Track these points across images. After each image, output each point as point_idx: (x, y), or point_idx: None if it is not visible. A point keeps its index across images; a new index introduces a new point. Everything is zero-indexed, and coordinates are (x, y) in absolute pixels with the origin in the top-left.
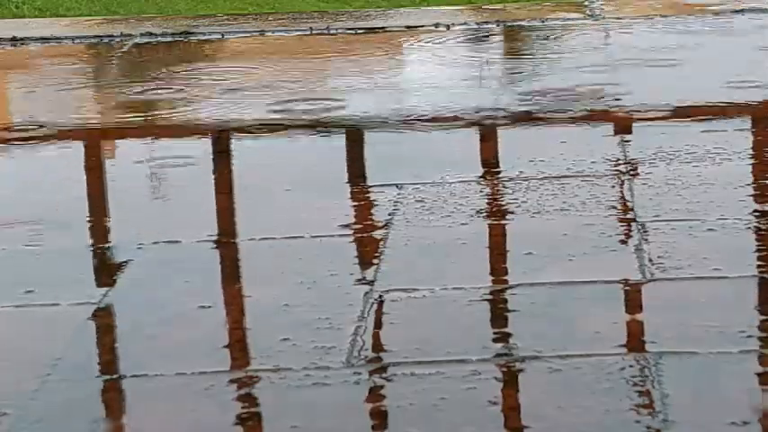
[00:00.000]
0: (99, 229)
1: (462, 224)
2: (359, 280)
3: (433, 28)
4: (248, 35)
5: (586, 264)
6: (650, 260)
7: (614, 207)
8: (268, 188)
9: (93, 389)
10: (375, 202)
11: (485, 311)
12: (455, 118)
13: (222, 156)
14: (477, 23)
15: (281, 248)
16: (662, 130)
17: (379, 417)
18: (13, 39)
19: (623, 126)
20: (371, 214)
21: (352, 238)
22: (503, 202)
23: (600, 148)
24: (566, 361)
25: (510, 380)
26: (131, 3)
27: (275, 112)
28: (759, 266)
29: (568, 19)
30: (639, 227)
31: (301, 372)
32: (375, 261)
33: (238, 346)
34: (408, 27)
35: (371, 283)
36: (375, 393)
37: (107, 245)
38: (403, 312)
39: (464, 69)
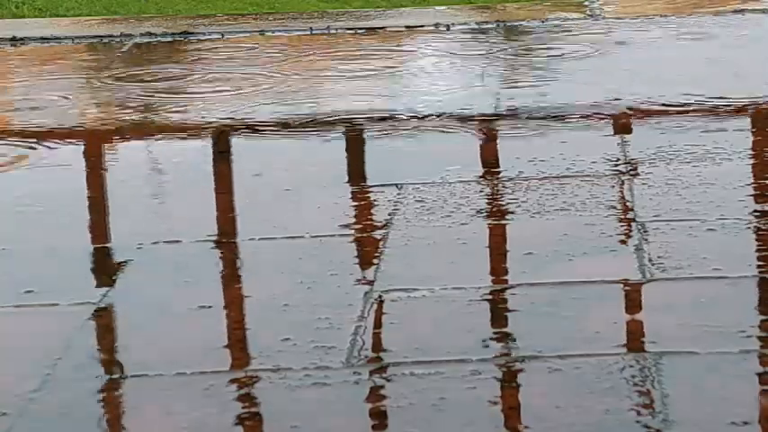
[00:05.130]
0: (99, 229)
1: (462, 224)
2: (359, 280)
3: (433, 28)
4: (248, 35)
5: (586, 264)
6: (650, 260)
7: (614, 207)
8: (268, 188)
9: (93, 389)
10: (375, 202)
11: (485, 311)
12: (455, 117)
13: (222, 156)
14: (477, 23)
15: (281, 248)
16: (662, 130)
17: (379, 417)
18: (13, 39)
19: (623, 126)
20: (371, 214)
21: (352, 238)
22: (503, 202)
23: (600, 148)
24: (566, 361)
25: (510, 380)
26: (131, 3)
27: (275, 112)
28: (759, 266)
29: (568, 19)
30: (639, 227)
31: (301, 372)
32: (375, 261)
33: (238, 346)
34: (408, 27)
35: (371, 283)
36: (375, 393)
37: (107, 245)
38: (403, 312)
39: (464, 69)
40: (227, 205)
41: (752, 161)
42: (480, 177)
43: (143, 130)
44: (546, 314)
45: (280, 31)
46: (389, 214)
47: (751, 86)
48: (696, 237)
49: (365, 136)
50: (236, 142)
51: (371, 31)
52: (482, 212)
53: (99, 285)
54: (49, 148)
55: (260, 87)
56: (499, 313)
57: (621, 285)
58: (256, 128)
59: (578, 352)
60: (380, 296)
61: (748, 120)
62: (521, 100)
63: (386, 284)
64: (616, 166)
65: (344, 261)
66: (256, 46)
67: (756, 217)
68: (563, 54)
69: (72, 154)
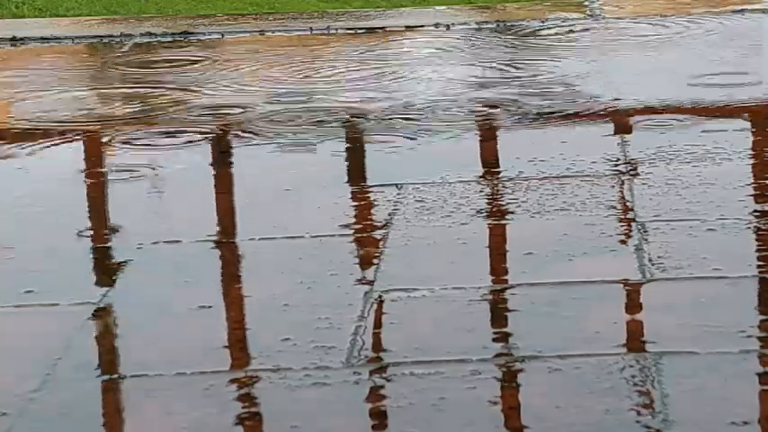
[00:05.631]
0: (99, 229)
1: (462, 224)
2: (359, 280)
3: (433, 28)
4: (248, 35)
5: (586, 264)
6: (650, 260)
7: (614, 207)
8: (268, 188)
9: (93, 389)
10: (375, 202)
11: (485, 311)
12: (456, 117)
13: (222, 156)
14: (477, 23)
15: (281, 248)
16: (662, 130)
17: (379, 417)
18: (13, 39)
19: (623, 126)
20: (371, 214)
21: (352, 238)
22: (503, 202)
23: (600, 148)
24: (566, 361)
25: (510, 380)
26: (131, 3)
27: (275, 111)
28: (759, 266)
29: (568, 19)
30: (639, 227)
31: (301, 372)
32: (375, 261)
33: (238, 346)
34: (408, 27)
35: (371, 283)
36: (375, 393)
37: (107, 245)
38: (403, 312)
39: (465, 69)
40: (227, 205)
41: (752, 161)
42: (480, 177)
43: (143, 130)
44: (546, 314)
45: (280, 31)
46: (389, 214)
47: (751, 86)
48: (696, 237)
49: (365, 136)
50: (237, 142)
51: (371, 31)
52: (482, 212)
53: (99, 285)
54: (48, 146)
55: (260, 87)
56: (499, 313)
57: (621, 285)
58: (257, 127)
59: (578, 352)
60: (380, 296)
61: (748, 120)
62: (521, 99)
63: (386, 284)
64: (616, 166)
65: (344, 261)
66: (256, 45)
67: (756, 217)
68: (563, 54)
69: (72, 153)
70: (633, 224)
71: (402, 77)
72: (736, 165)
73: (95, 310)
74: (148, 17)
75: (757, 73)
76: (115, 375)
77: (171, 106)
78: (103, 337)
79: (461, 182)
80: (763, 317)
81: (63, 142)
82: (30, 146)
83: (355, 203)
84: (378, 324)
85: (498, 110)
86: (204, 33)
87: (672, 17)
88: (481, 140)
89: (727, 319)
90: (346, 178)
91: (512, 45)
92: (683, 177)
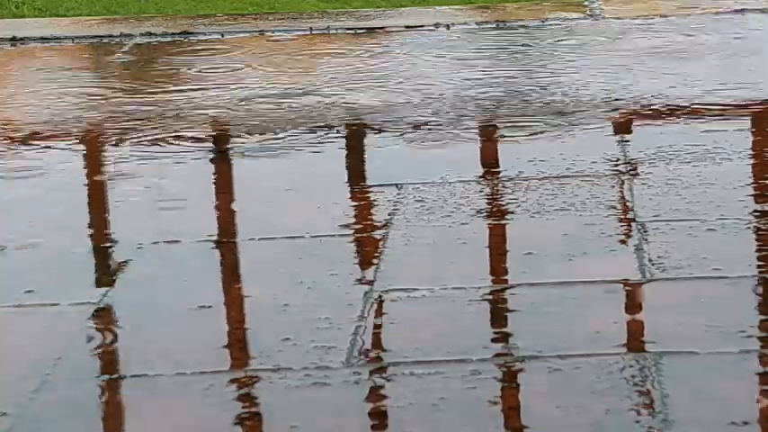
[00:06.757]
0: (99, 230)
1: (462, 224)
2: (359, 280)
3: (433, 28)
4: (248, 35)
5: (586, 264)
6: (650, 260)
7: (614, 207)
8: (268, 188)
9: (93, 389)
10: (375, 202)
11: (485, 311)
12: (456, 117)
13: (222, 155)
14: (477, 23)
15: (281, 248)
16: (662, 130)
17: (379, 417)
18: (13, 39)
19: (623, 126)
20: (371, 214)
21: (352, 238)
22: (503, 202)
23: (600, 148)
24: (566, 361)
25: (510, 380)
26: (131, 3)
27: (274, 111)
28: (759, 266)
29: (568, 19)
30: (639, 227)
31: (301, 372)
32: (375, 261)
33: (238, 346)
34: (408, 27)
35: (371, 283)
36: (375, 393)
37: (107, 245)
38: (403, 312)
39: (465, 69)
40: (227, 205)
41: (752, 161)
42: (480, 177)
43: (143, 129)
44: (546, 314)
45: (280, 31)
46: (389, 214)
47: (751, 86)
48: (696, 237)
49: (365, 135)
50: (236, 141)
51: (371, 30)
52: (482, 212)
53: (99, 285)
54: (48, 147)
55: (260, 86)
56: (499, 313)
57: (621, 285)
58: (257, 127)
59: (578, 352)
60: (380, 296)
61: (748, 120)
62: (521, 100)
63: (386, 284)
64: (616, 166)
65: (344, 261)
66: (256, 45)
67: (756, 217)
68: (562, 54)
69: (72, 153)
70: (633, 224)
71: (402, 76)
72: (736, 165)
73: (95, 310)
74: (148, 17)
75: (754, 73)
76: (115, 375)
77: (170, 106)
78: (103, 337)
79: (461, 182)
80: (763, 317)
81: (63, 143)
82: (30, 145)
83: (355, 203)
84: (378, 324)
85: (498, 110)
86: (204, 33)
87: (672, 17)
88: (482, 140)
89: (727, 319)
90: (346, 178)
91: (512, 43)
92: (683, 177)
